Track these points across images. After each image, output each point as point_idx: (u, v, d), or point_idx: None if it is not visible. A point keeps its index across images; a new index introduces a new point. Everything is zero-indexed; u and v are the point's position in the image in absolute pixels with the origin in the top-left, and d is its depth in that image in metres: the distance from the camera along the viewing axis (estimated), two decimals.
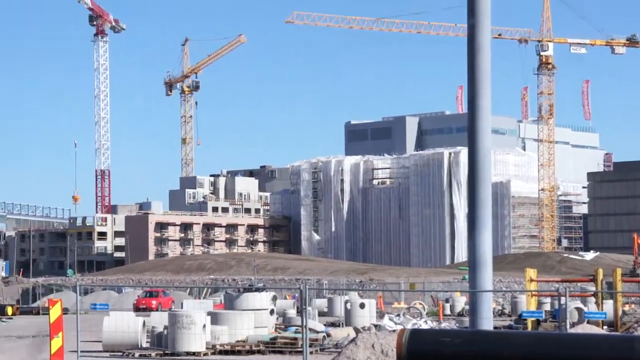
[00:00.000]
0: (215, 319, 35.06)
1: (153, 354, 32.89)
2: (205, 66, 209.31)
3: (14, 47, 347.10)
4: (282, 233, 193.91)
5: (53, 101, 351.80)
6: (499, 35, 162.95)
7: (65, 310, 34.72)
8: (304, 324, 25.48)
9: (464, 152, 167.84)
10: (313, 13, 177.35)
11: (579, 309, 39.75)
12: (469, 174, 17.37)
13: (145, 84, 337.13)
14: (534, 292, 40.69)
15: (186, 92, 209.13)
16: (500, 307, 66.34)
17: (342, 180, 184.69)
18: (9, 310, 64.65)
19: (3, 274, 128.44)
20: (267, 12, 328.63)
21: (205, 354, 32.70)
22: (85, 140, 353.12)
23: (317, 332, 36.51)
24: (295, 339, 33.71)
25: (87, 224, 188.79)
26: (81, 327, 27.95)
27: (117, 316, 35.42)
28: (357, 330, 36.80)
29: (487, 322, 17.03)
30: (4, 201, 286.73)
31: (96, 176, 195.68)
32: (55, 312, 25.21)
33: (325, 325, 43.29)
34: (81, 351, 28.43)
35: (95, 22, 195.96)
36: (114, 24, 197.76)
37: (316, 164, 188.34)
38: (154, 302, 69.53)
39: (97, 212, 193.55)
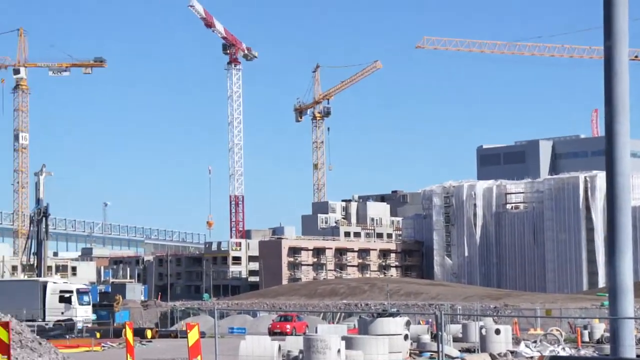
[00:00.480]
0: (349, 343, 35.14)
1: None
2: (337, 92, 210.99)
3: (151, 77, 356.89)
4: (415, 258, 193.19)
5: (189, 128, 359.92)
6: (636, 57, 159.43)
7: (202, 334, 35.38)
8: (440, 349, 25.35)
9: (600, 176, 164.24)
10: (443, 38, 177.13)
11: None
12: (608, 200, 17.09)
13: (275, 110, 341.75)
14: None
15: (317, 118, 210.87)
16: None
17: (474, 204, 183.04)
18: (149, 334, 66.09)
19: (142, 298, 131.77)
20: (396, 37, 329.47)
21: None
22: (219, 167, 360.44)
23: (453, 357, 36.27)
24: None
25: (222, 249, 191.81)
26: (219, 351, 28.45)
27: (254, 340, 35.87)
28: (493, 357, 36.43)
29: (630, 350, 16.69)
30: (142, 226, 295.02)
31: (230, 202, 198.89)
32: (193, 335, 25.73)
33: (460, 351, 42.93)
34: None
35: (228, 51, 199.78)
36: (246, 52, 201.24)
37: (448, 188, 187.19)
38: (288, 326, 70.15)
39: (231, 237, 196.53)
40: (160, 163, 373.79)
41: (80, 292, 75.99)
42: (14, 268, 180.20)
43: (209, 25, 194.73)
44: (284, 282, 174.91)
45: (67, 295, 74.80)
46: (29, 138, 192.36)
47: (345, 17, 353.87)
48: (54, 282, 79.29)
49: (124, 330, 71.17)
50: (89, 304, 76.88)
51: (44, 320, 73.00)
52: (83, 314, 74.12)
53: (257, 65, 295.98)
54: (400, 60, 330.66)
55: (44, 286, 75.69)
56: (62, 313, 72.81)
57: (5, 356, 20.60)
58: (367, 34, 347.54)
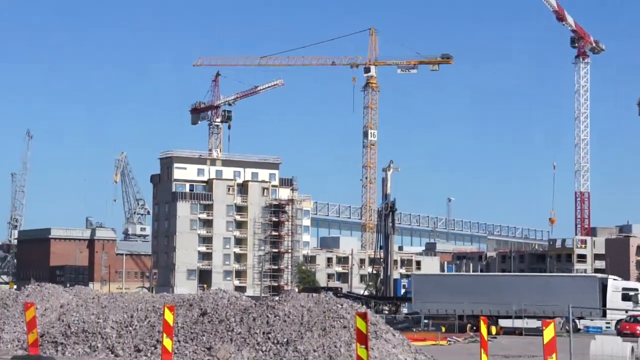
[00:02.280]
0: None
1: None
2: None
3: (495, 71, 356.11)
4: None
5: (532, 123, 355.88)
6: None
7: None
8: None
9: None
10: None
11: None
12: None
13: (619, 104, 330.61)
14: None
15: None
16: None
17: None
18: (493, 330, 66.28)
19: None
20: None
21: None
22: (564, 163, 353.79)
23: None
24: None
25: (567, 246, 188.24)
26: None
27: (604, 340, 35.04)
28: None
29: None
30: (485, 222, 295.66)
31: (575, 198, 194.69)
32: (548, 333, 25.41)
33: None
34: None
35: (576, 44, 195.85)
36: (594, 45, 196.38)
37: None
38: (638, 327, 67.70)
39: (576, 234, 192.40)
40: (503, 160, 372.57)
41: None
42: (362, 261, 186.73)
43: (560, 18, 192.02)
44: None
45: (631, 293, 73.62)
46: (378, 135, 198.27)
47: None
48: (614, 279, 77.39)
49: (468, 325, 71.91)
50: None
51: (604, 317, 71.96)
52: None
53: (606, 60, 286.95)
54: None
55: (604, 283, 74.68)
56: (626, 312, 69.78)
57: (363, 346, 21.44)
58: None
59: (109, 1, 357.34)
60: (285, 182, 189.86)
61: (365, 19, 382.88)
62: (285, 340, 29.12)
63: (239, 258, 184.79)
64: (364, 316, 21.80)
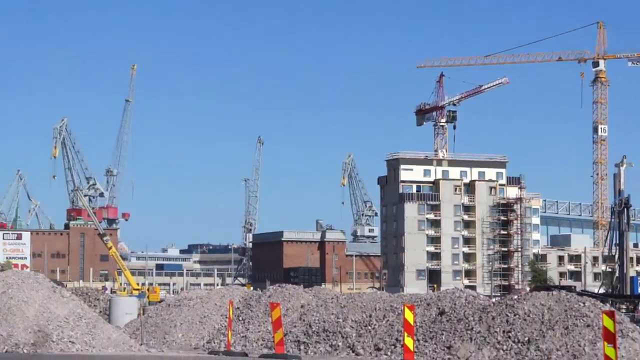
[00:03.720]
0: None
1: None
2: None
3: None
4: None
5: None
6: None
7: None
8: None
9: None
10: None
11: None
12: None
13: None
14: None
15: None
16: None
17: None
18: None
19: None
20: None
21: None
22: None
23: None
24: None
25: None
26: None
27: None
28: None
29: None
30: None
31: None
32: None
33: None
34: None
35: None
36: None
37: None
38: None
39: None
40: None
41: None
42: (595, 259, 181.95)
43: None
44: None
45: None
46: (608, 130, 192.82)
47: None
48: None
49: None
50: None
51: None
52: None
53: None
54: None
55: None
56: None
57: (611, 345, 21.00)
58: None
59: (338, 7, 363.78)
60: (513, 181, 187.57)
61: (592, 13, 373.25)
62: (526, 339, 28.89)
63: (468, 257, 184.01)
64: (611, 314, 21.37)
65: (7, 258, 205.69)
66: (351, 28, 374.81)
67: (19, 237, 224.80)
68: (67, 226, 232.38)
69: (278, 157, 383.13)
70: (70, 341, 32.60)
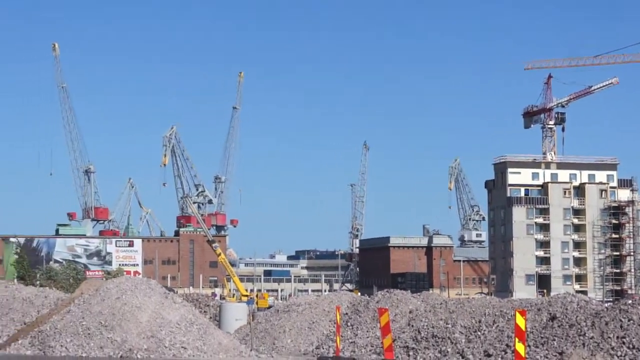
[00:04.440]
0: None
1: None
2: None
3: None
4: None
5: None
6: None
7: None
8: None
9: None
10: None
11: None
12: None
13: None
14: None
15: None
16: None
17: None
18: None
19: None
20: None
21: None
22: None
23: None
24: None
25: None
26: None
27: None
28: None
29: None
30: None
31: None
32: None
33: None
34: None
35: None
36: None
37: None
38: None
39: None
40: None
41: None
42: None
43: None
44: None
45: None
46: None
47: None
48: None
49: None
50: None
51: None
52: None
53: None
54: None
55: None
56: None
57: (521, 342, 20.70)
58: None
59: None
60: (625, 183, 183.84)
61: None
62: None
63: (578, 262, 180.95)
64: (523, 313, 21.01)
65: (119, 265, 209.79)
66: (458, 31, 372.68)
67: (131, 245, 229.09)
68: (177, 233, 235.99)
69: (384, 162, 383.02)
70: (182, 346, 33.16)
